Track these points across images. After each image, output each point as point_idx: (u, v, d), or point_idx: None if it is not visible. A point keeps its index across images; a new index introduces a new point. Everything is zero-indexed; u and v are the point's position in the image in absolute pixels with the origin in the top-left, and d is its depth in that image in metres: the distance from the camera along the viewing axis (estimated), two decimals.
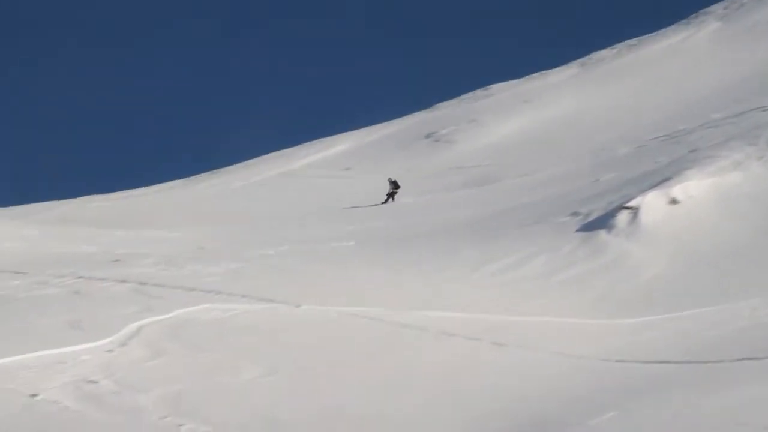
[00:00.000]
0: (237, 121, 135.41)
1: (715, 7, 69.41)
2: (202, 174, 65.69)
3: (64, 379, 13.97)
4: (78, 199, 58.19)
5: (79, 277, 23.51)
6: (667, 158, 34.78)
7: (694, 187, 25.77)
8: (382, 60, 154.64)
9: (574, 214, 26.69)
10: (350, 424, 12.90)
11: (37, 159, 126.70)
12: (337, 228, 35.02)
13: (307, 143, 66.03)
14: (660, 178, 27.07)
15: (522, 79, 67.85)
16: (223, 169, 65.26)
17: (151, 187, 61.96)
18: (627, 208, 25.07)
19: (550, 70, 68.08)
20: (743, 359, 14.57)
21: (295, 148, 65.81)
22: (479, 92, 67.39)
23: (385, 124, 65.15)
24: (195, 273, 24.08)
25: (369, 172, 52.92)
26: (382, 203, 41.55)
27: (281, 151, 65.67)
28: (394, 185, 42.84)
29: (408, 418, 13.14)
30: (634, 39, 69.49)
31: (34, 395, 13.07)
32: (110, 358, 15.32)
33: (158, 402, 13.04)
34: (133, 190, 61.14)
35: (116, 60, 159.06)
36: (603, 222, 25.05)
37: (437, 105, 67.91)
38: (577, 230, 25.32)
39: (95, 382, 13.88)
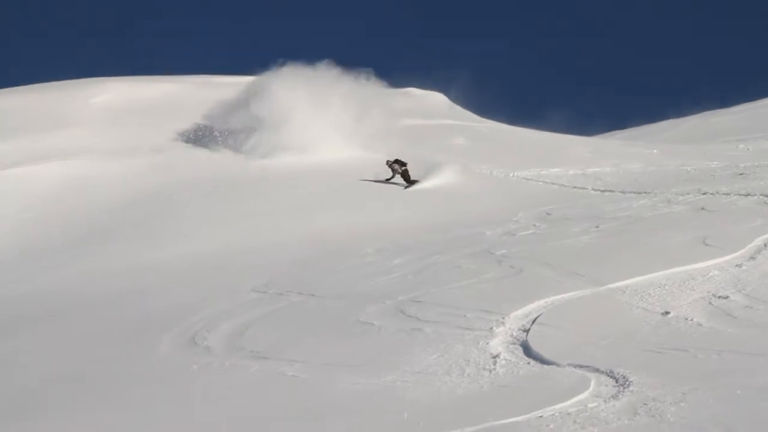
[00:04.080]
0: None
1: None
2: None
3: (695, 296, 14.09)
4: (700, 114, 58.21)
5: (704, 194, 23.62)
6: None
7: None
8: None
9: None
10: None
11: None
12: None
13: None
14: None
15: None
16: None
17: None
18: None
19: None
20: None
21: None
22: None
23: None
24: None
25: None
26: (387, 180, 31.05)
27: None
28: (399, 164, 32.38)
29: None
30: None
31: (666, 313, 13.32)
32: (739, 273, 15.25)
33: None
34: (759, 100, 60.23)
35: None
36: None
37: None
38: None
39: (725, 297, 13.88)
